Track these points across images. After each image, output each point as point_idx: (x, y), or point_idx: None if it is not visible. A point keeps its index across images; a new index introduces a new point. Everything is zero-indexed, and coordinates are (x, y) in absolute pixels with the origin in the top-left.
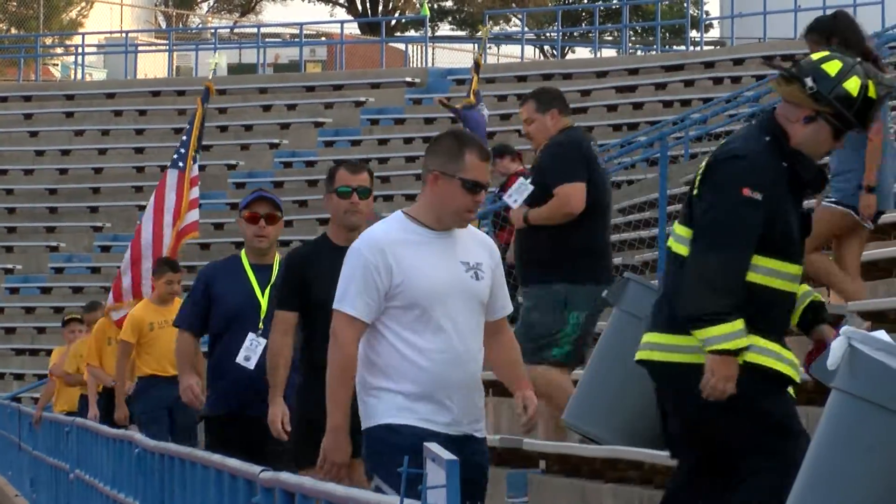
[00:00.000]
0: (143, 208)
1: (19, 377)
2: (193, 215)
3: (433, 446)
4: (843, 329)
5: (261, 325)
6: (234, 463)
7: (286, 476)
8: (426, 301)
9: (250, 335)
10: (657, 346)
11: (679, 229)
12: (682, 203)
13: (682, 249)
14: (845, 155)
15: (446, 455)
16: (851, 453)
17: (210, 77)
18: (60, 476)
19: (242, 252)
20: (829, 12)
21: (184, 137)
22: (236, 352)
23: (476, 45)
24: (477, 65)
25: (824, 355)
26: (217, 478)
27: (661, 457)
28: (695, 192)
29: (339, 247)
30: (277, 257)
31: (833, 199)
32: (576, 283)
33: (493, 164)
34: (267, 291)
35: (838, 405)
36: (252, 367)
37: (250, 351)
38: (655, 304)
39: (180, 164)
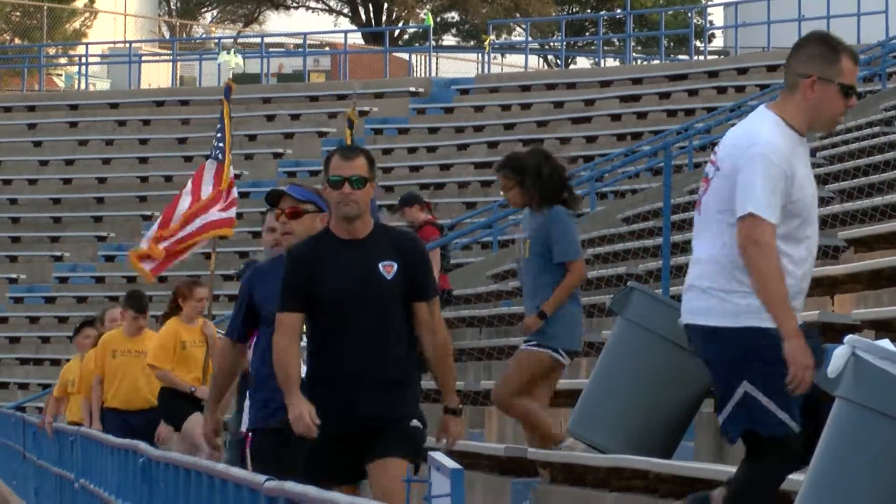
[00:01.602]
0: (147, 218)
1: (23, 387)
2: (232, 213)
3: (438, 455)
4: (848, 338)
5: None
6: (238, 472)
7: (290, 485)
8: (806, 212)
9: None
10: None
11: None
12: (685, 212)
13: None
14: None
15: (451, 464)
16: (857, 462)
17: (230, 76)
18: (65, 485)
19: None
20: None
21: (217, 135)
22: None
23: (353, 104)
24: (350, 122)
25: (825, 363)
26: (222, 487)
27: (667, 465)
28: None
29: (343, 240)
30: None
31: (534, 343)
32: None
33: (402, 213)
34: None
35: (843, 414)
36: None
37: None
38: None
39: (219, 156)
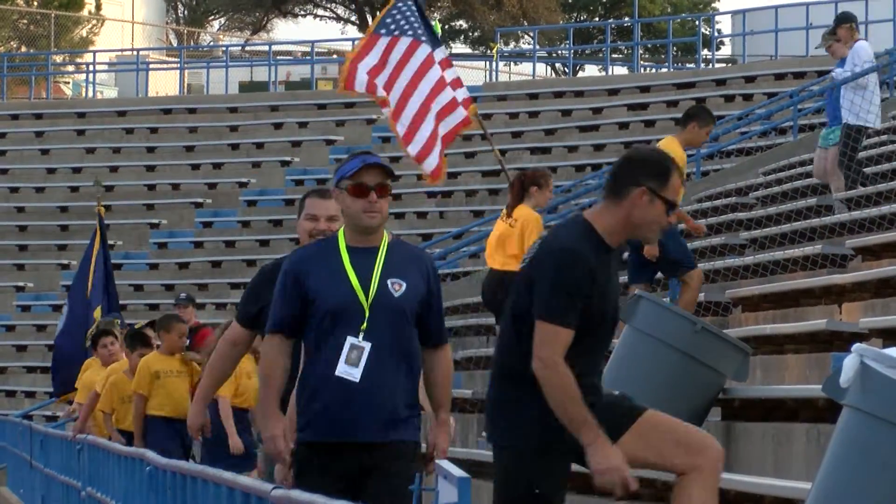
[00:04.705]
0: (154, 226)
1: (30, 395)
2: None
3: (444, 463)
4: (855, 347)
5: (364, 326)
6: (245, 480)
7: (297, 494)
8: None
9: (350, 339)
10: None
11: None
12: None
13: None
14: None
15: (458, 473)
16: (865, 470)
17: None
18: (72, 494)
19: (340, 232)
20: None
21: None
22: (333, 361)
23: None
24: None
25: (836, 373)
26: (229, 495)
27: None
28: None
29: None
30: (386, 238)
31: None
32: None
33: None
34: (374, 280)
35: (851, 423)
36: (357, 379)
37: (352, 359)
38: None
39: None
